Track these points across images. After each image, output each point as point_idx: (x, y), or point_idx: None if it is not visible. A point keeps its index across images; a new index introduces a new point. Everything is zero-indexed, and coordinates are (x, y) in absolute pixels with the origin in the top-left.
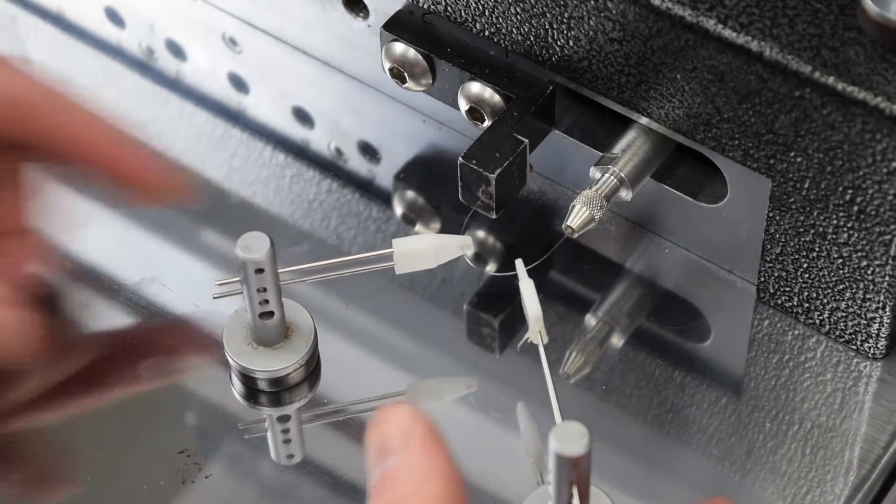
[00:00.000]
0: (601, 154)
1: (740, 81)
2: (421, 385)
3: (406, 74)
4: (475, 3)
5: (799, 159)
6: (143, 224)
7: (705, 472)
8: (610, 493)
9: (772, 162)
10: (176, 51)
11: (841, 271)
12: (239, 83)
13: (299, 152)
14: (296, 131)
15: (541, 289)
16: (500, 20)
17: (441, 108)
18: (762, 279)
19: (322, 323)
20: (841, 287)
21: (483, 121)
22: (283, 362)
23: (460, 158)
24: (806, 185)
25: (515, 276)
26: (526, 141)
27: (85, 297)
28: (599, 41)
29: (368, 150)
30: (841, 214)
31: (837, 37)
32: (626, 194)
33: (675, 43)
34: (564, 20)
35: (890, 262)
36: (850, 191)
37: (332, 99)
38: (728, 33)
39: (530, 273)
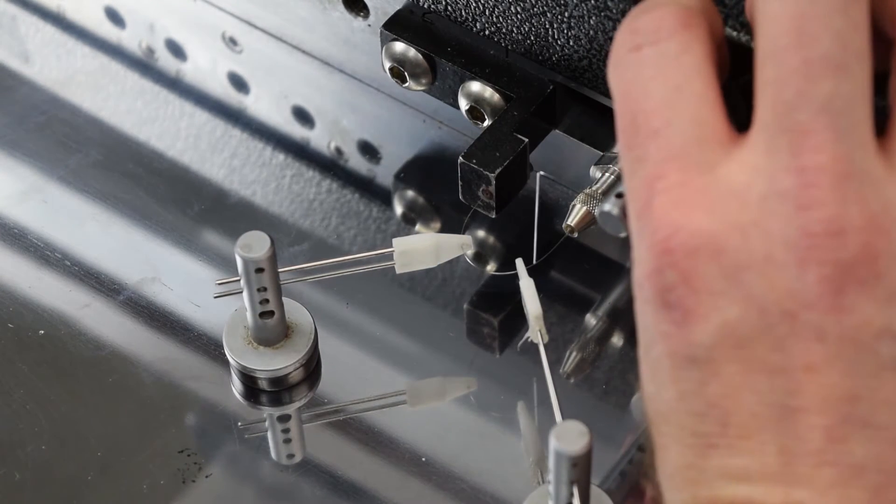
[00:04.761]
0: (601, 153)
1: (743, 82)
2: (421, 385)
3: (406, 74)
4: (475, 2)
5: None
6: (143, 224)
7: None
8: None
9: None
10: (176, 51)
11: None
12: (239, 83)
13: (299, 152)
14: (296, 131)
15: (541, 288)
16: (501, 19)
17: (441, 107)
18: None
19: (322, 323)
20: None
21: (483, 120)
22: (283, 362)
23: (461, 158)
24: None
25: (515, 276)
26: (526, 140)
27: (85, 297)
28: (600, 40)
29: (368, 150)
30: None
31: None
32: None
33: None
34: (565, 19)
35: None
36: None
37: (332, 99)
38: (728, 32)
39: (530, 272)
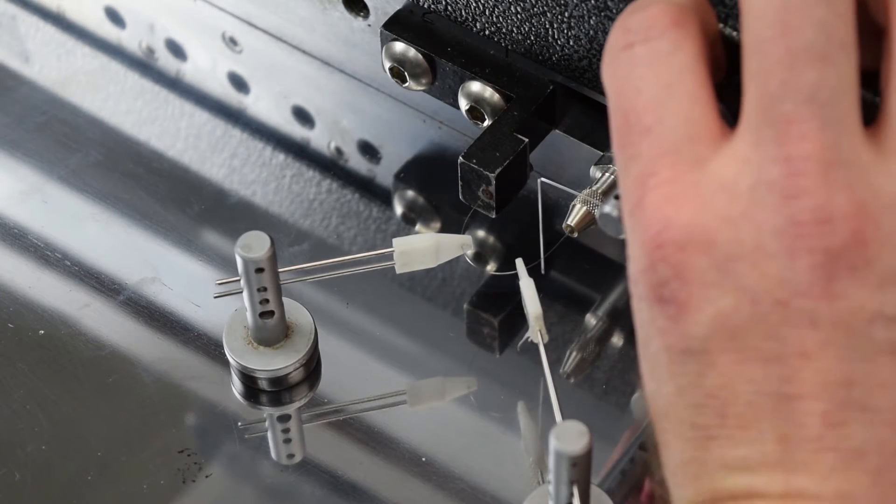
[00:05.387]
0: (601, 153)
1: (741, 80)
2: (421, 385)
3: (406, 74)
4: (475, 2)
5: None
6: (143, 224)
7: None
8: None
9: None
10: (176, 51)
11: None
12: (239, 83)
13: (299, 152)
14: (296, 131)
15: (541, 288)
16: (501, 19)
17: (441, 107)
18: None
19: (322, 323)
20: None
21: (483, 120)
22: (283, 362)
23: (461, 158)
24: None
25: (515, 276)
26: (526, 140)
27: (85, 297)
28: (600, 40)
29: (368, 150)
30: None
31: None
32: None
33: None
34: (565, 19)
35: None
36: None
37: (332, 99)
38: (728, 32)
39: (530, 272)
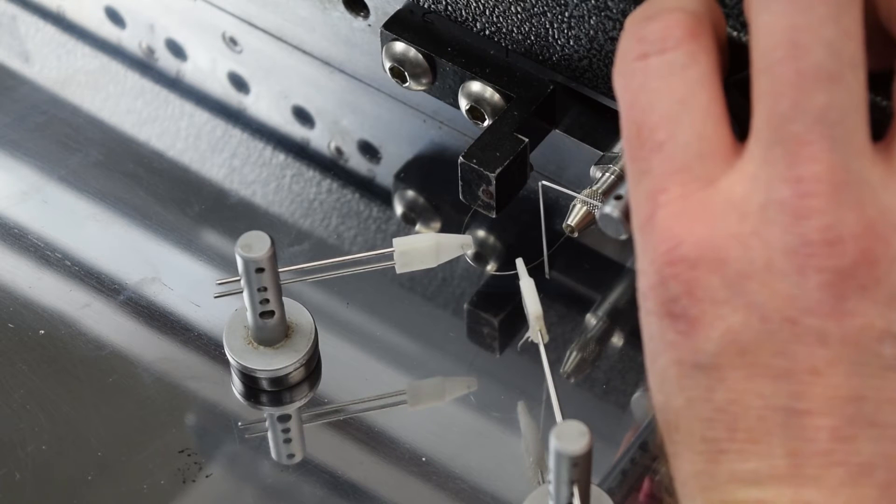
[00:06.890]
0: (602, 153)
1: (741, 79)
2: (421, 385)
3: (406, 74)
4: (475, 2)
5: None
6: (143, 224)
7: None
8: None
9: None
10: (176, 51)
11: None
12: (239, 83)
13: (299, 152)
14: (296, 131)
15: (541, 288)
16: (501, 19)
17: (441, 107)
18: None
19: (322, 323)
20: None
21: (483, 120)
22: (283, 362)
23: (461, 158)
24: None
25: (516, 276)
26: (526, 140)
27: (85, 297)
28: (600, 40)
29: (368, 150)
30: None
31: None
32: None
33: None
34: (565, 19)
35: None
36: None
37: (332, 99)
38: (728, 32)
39: (530, 272)
